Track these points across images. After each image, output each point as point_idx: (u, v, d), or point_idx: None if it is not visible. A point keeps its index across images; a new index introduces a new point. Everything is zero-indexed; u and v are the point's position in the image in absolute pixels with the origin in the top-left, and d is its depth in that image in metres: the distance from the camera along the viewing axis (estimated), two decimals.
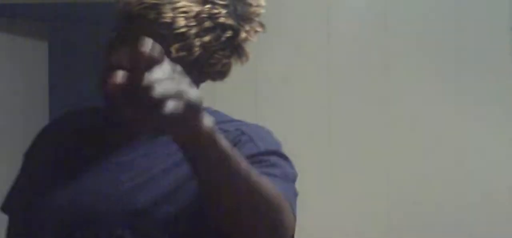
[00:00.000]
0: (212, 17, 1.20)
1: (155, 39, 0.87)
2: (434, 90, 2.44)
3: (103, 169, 1.25)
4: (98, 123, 1.31)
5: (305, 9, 2.49)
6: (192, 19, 1.17)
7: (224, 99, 2.46)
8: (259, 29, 1.30)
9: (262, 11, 1.27)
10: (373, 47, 2.47)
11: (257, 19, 1.28)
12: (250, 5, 1.25)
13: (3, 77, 3.24)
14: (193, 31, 1.18)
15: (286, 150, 2.55)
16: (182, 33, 1.16)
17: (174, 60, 1.02)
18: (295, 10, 2.50)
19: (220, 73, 1.32)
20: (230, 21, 1.23)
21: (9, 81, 3.27)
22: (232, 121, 1.41)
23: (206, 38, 1.21)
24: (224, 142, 0.98)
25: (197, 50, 1.21)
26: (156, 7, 1.15)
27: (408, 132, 2.45)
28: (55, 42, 3.83)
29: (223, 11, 1.21)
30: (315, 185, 2.47)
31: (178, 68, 0.89)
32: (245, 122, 1.40)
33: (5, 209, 1.33)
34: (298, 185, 2.19)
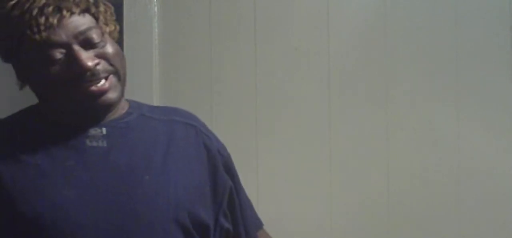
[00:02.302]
0: None
1: None
2: (434, 90, 2.44)
3: (111, 174, 1.25)
4: (33, 127, 1.31)
5: (305, 9, 2.49)
6: None
7: (224, 99, 2.46)
8: None
9: None
10: (373, 47, 2.47)
11: None
12: None
13: (3, 77, 3.24)
14: None
15: (286, 149, 2.55)
16: None
17: None
18: (295, 10, 2.50)
19: None
20: None
21: (9, 81, 3.26)
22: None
23: None
24: None
25: None
26: None
27: (408, 132, 2.45)
28: None
29: None
30: (315, 185, 2.47)
31: None
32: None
33: None
34: (298, 185, 2.20)
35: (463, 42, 2.44)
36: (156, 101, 2.33)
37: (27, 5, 1.23)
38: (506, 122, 2.43)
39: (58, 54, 1.24)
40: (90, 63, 1.26)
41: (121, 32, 2.56)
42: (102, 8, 1.33)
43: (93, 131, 1.28)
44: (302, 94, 2.48)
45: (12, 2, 1.23)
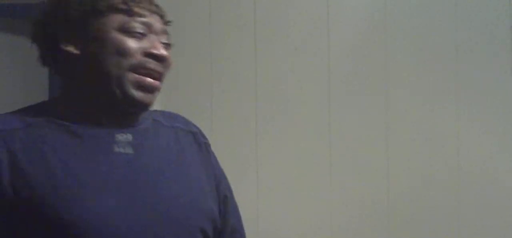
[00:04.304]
0: None
1: None
2: (434, 90, 2.44)
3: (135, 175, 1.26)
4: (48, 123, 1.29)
5: (305, 9, 2.49)
6: None
7: (224, 99, 2.46)
8: None
9: None
10: (373, 47, 2.47)
11: None
12: None
13: (3, 77, 3.24)
14: None
15: (286, 149, 2.55)
16: None
17: None
18: (295, 10, 2.50)
19: None
20: None
21: (9, 81, 3.26)
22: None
23: None
24: None
25: None
26: None
27: (408, 132, 2.45)
28: None
29: None
30: (315, 185, 2.46)
31: None
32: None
33: None
34: (297, 185, 2.20)
35: (463, 42, 2.44)
36: (156, 102, 2.33)
37: None
38: (506, 122, 2.43)
39: (140, 28, 1.30)
40: (165, 53, 1.32)
41: None
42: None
43: (119, 137, 1.27)
44: (302, 94, 2.48)
45: None
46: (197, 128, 1.50)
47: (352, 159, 2.46)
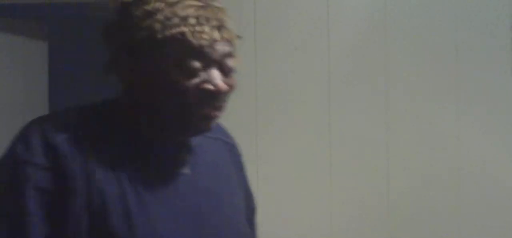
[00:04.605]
0: None
1: None
2: (434, 90, 2.44)
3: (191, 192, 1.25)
4: (111, 128, 1.24)
5: (305, 9, 2.49)
6: None
7: None
8: None
9: None
10: (373, 47, 2.47)
11: None
12: None
13: (3, 77, 3.24)
14: None
15: (286, 149, 2.55)
16: None
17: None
18: (295, 10, 2.50)
19: None
20: None
21: (9, 81, 3.27)
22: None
23: None
24: None
25: None
26: None
27: (408, 132, 2.45)
28: (55, 42, 3.84)
29: None
30: (315, 185, 2.47)
31: None
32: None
33: None
34: (297, 185, 2.20)
35: (463, 43, 2.44)
36: None
37: (191, 9, 1.21)
38: (506, 122, 2.43)
39: (198, 65, 1.20)
40: (223, 88, 1.23)
41: None
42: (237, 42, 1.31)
43: (179, 155, 1.25)
44: (302, 94, 2.48)
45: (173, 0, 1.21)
46: (233, 139, 1.48)
47: (352, 159, 2.46)
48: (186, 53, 1.19)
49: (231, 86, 1.25)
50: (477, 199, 2.43)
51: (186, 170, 1.26)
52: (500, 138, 2.43)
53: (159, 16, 1.19)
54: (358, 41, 2.47)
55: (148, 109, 1.24)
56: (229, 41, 1.25)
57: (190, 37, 1.19)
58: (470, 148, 2.43)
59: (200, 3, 1.23)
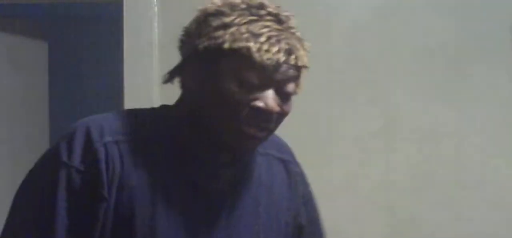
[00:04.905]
0: None
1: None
2: (434, 90, 2.44)
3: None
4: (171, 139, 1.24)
5: (305, 9, 2.49)
6: None
7: None
8: None
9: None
10: (373, 47, 2.46)
11: None
12: None
13: (3, 77, 3.24)
14: None
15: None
16: None
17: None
18: (295, 10, 2.50)
19: None
20: None
21: (9, 81, 3.27)
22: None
23: None
24: None
25: None
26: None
27: (408, 132, 2.45)
28: (55, 42, 3.84)
29: None
30: (315, 185, 2.46)
31: None
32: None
33: None
34: None
35: (463, 42, 2.44)
36: (156, 102, 2.32)
37: (266, 29, 1.21)
38: (506, 122, 2.43)
39: (256, 82, 1.20)
40: (275, 109, 1.24)
41: (121, 32, 2.57)
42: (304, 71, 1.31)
43: (221, 172, 1.24)
44: (302, 94, 2.47)
45: (253, 18, 1.19)
46: (291, 153, 1.47)
47: (352, 159, 2.46)
48: (246, 68, 1.19)
49: (284, 111, 1.25)
50: (477, 199, 2.42)
51: (224, 187, 1.26)
52: (500, 138, 2.43)
53: (233, 29, 1.19)
54: (358, 41, 2.47)
55: (198, 120, 1.23)
56: (294, 67, 1.25)
57: (254, 53, 1.18)
58: (470, 148, 2.43)
59: (278, 26, 1.26)
